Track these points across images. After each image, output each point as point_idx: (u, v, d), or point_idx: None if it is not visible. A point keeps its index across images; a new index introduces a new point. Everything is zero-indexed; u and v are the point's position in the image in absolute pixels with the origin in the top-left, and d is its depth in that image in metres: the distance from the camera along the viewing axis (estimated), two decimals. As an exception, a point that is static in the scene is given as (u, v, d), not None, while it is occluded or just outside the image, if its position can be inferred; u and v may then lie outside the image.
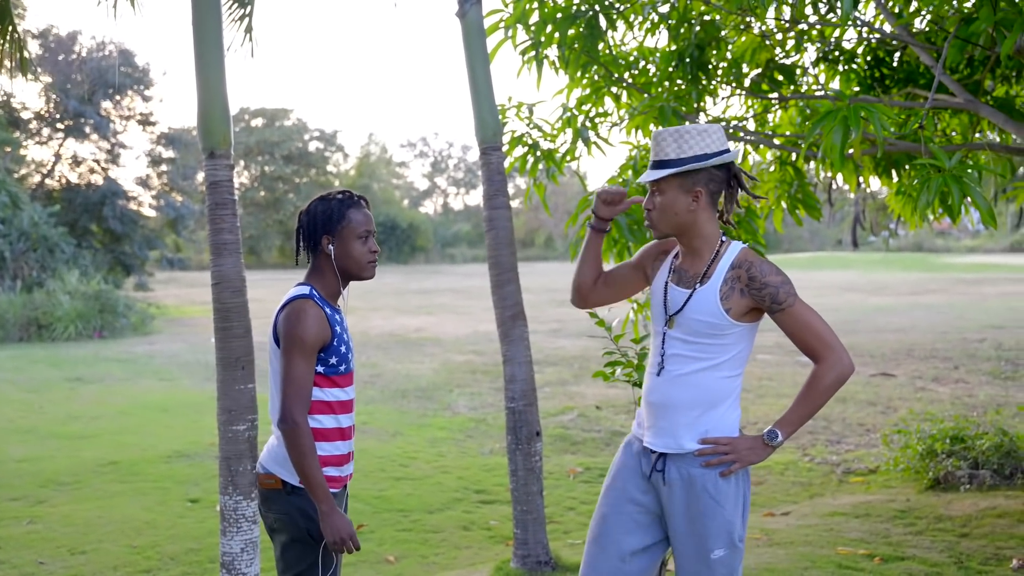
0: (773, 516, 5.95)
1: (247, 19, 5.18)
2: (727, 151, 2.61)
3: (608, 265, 6.04)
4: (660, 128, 2.64)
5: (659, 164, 2.60)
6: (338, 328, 2.86)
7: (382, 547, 5.68)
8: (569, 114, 6.31)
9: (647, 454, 2.74)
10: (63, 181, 31.97)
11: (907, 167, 6.67)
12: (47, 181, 32.12)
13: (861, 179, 7.03)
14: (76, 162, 32.38)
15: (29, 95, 37.95)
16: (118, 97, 31.86)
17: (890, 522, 5.60)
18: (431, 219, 66.02)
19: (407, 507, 6.55)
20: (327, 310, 2.83)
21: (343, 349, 2.87)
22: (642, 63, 6.76)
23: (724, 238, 2.67)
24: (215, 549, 5.49)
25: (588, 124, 6.39)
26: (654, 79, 6.65)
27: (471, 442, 8.82)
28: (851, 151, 5.17)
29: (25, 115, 31.83)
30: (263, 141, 54.62)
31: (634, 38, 6.63)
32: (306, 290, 2.84)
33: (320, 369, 2.82)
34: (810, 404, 2.62)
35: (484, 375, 13.15)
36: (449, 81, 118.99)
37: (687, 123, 6.34)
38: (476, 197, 74.32)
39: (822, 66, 7.06)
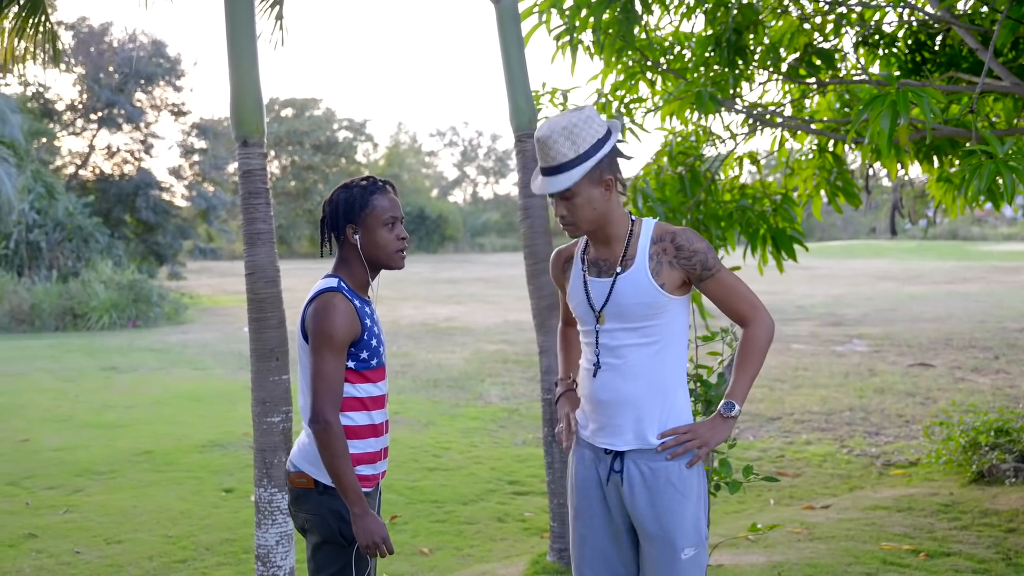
0: (812, 509, 5.84)
1: (278, 7, 5.14)
2: (612, 129, 2.54)
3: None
4: (539, 132, 2.49)
5: (558, 168, 2.46)
6: (368, 321, 2.72)
7: (416, 539, 5.64)
8: (604, 100, 6.21)
9: (602, 457, 2.61)
10: (97, 172, 32.29)
11: (948, 154, 6.51)
12: (81, 172, 32.44)
13: (901, 166, 6.88)
14: (110, 153, 32.69)
15: (63, 86, 38.34)
16: (150, 88, 32.07)
17: (934, 516, 5.47)
18: (460, 208, 66.02)
19: (441, 498, 6.51)
20: (356, 303, 2.69)
21: (374, 343, 2.73)
22: (677, 48, 6.65)
23: (634, 218, 2.59)
24: (250, 540, 5.48)
25: (623, 110, 6.29)
26: (690, 64, 6.53)
27: (504, 432, 8.77)
28: (898, 137, 5.03)
29: (59, 106, 32.16)
30: (293, 131, 54.84)
31: (670, 22, 6.51)
32: (334, 282, 2.69)
33: (351, 364, 2.69)
34: (753, 367, 2.56)
35: (516, 364, 13.09)
36: (480, 69, 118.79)
37: (723, 110, 6.22)
38: (506, 186, 74.26)
39: (862, 50, 6.90)
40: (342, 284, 2.71)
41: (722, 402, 2.55)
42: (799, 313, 18.65)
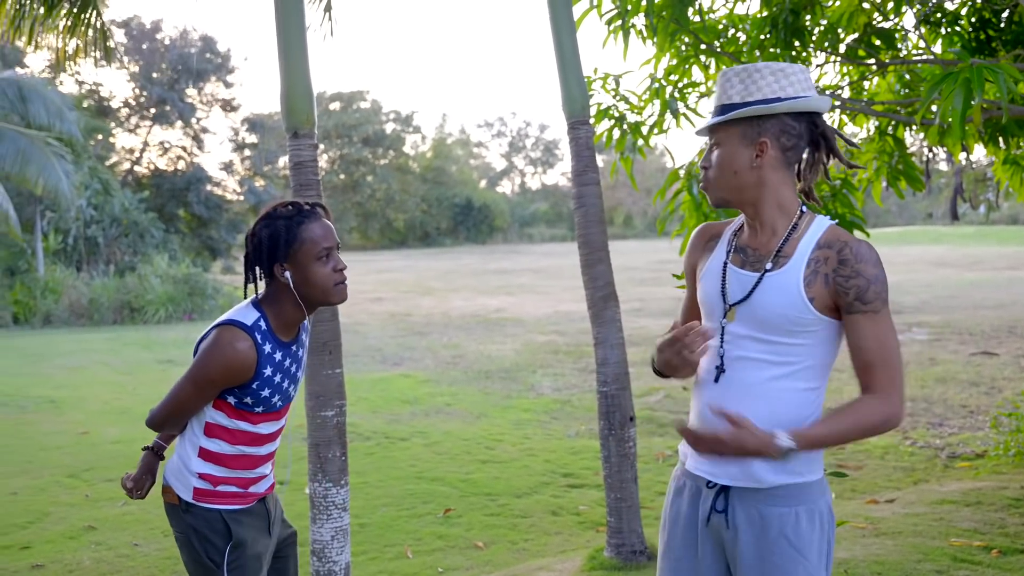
0: (877, 503, 5.68)
1: (327, -2, 5.10)
2: (809, 96, 2.03)
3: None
4: (727, 67, 2.07)
5: (721, 109, 2.06)
6: (269, 370, 2.40)
7: (470, 532, 5.59)
8: (657, 85, 6.08)
9: (703, 490, 2.12)
10: (151, 167, 32.81)
11: (1015, 135, 6.27)
12: (136, 168, 32.98)
13: (965, 148, 6.66)
14: (163, 148, 33.20)
15: (117, 84, 38.98)
16: (201, 83, 32.47)
17: (1004, 511, 5.27)
18: (508, 199, 65.98)
19: (494, 491, 6.45)
20: (266, 348, 2.39)
21: (266, 393, 2.41)
22: (732, 30, 6.49)
23: (805, 209, 2.09)
24: (304, 532, 5.47)
25: (676, 95, 6.16)
26: (744, 47, 6.37)
27: (556, 424, 8.70)
28: (971, 117, 4.84)
29: (114, 104, 32.72)
30: (341, 124, 55.23)
31: (724, 4, 6.36)
32: (250, 319, 2.38)
33: (230, 399, 2.42)
34: (842, 432, 2.00)
35: (567, 356, 13.00)
36: (528, 59, 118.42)
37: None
38: (554, 176, 74.03)
39: (923, 29, 6.68)
40: (259, 323, 2.40)
41: (786, 432, 1.96)
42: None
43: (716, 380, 2.09)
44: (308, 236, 2.39)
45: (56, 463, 7.40)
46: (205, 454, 2.46)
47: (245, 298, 2.50)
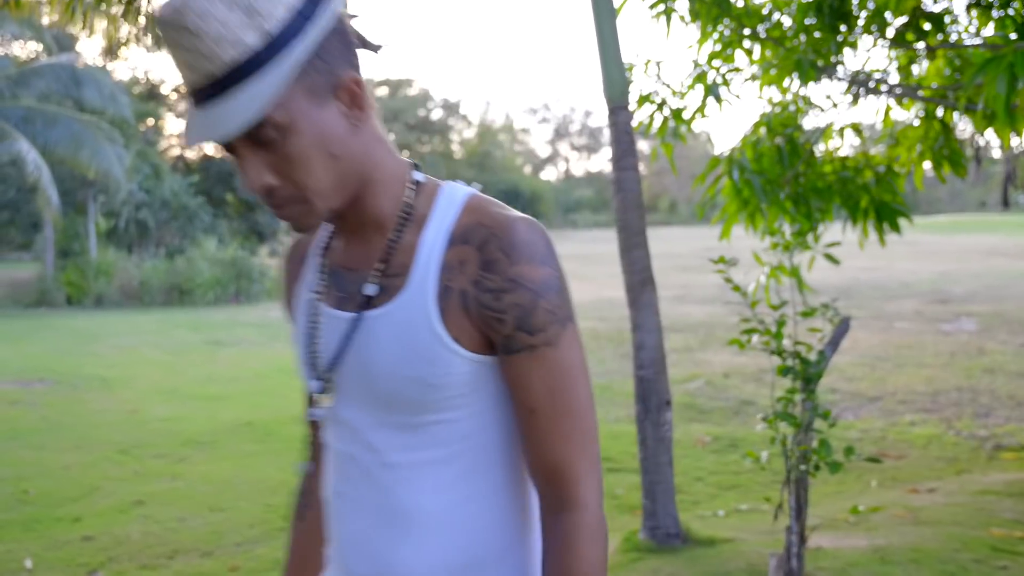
0: (917, 493, 5.63)
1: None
2: None
3: (745, 237, 5.79)
4: (167, 7, 1.01)
5: (228, 78, 1.02)
6: None
7: (508, 513, 5.65)
8: (699, 70, 6.05)
9: None
10: (200, 152, 33.26)
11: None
12: (185, 152, 33.47)
13: (1016, 133, 6.54)
14: (212, 133, 33.64)
15: (167, 70, 39.54)
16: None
17: (1048, 502, 5.21)
18: (553, 185, 65.89)
19: (532, 473, 6.51)
20: None
21: None
22: (776, 15, 6.43)
23: (421, 176, 1.19)
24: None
25: (720, 80, 6.12)
26: (789, 32, 6.31)
27: (597, 409, 8.70)
28: (1016, 102, 4.76)
29: (164, 89, 33.22)
30: (387, 110, 55.48)
31: (769, -12, 6.30)
32: None
33: None
34: None
35: (608, 341, 13.01)
36: (573, 44, 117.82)
37: (824, 78, 6.01)
38: (599, 162, 73.70)
39: (974, 12, 6.56)
40: None
41: None
42: (903, 290, 18.03)
43: (332, 516, 1.24)
44: None
45: (107, 439, 7.61)
46: None
47: None
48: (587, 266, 27.60)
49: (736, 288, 3.67)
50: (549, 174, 72.45)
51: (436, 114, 58.60)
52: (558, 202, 61.99)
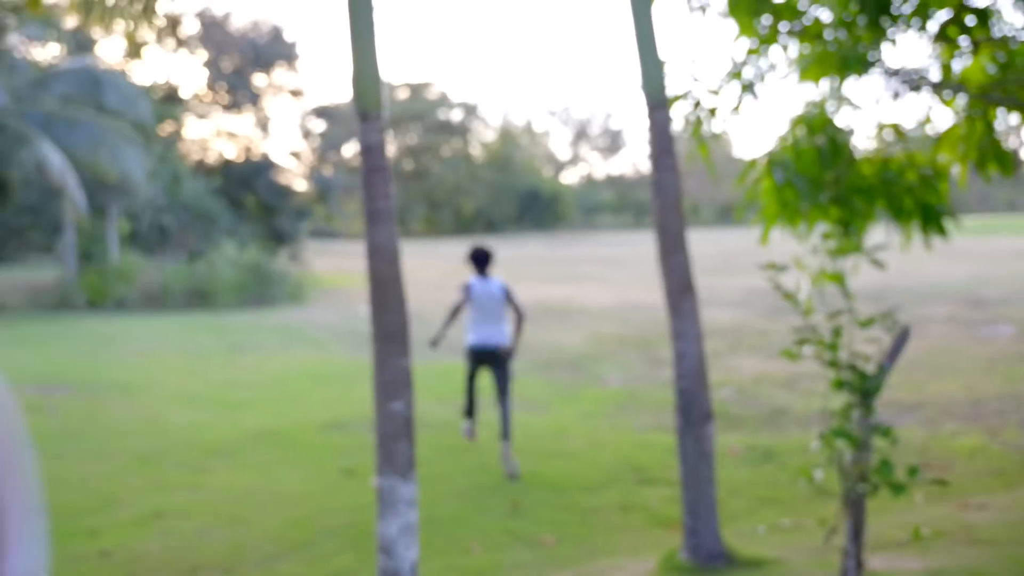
0: (967, 509, 5.38)
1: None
2: None
3: (785, 232, 5.56)
4: None
5: None
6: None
7: (538, 527, 5.45)
8: (736, 67, 5.84)
9: None
10: (220, 155, 33.28)
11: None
12: (206, 155, 33.50)
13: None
14: (232, 136, 33.64)
15: (188, 73, 39.66)
16: (269, 72, 32.81)
17: (1108, 519, 4.95)
18: (573, 188, 65.62)
19: (562, 485, 6.30)
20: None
21: None
22: (814, 10, 6.21)
23: None
24: (370, 524, 5.37)
25: (756, 77, 5.90)
26: (827, 27, 6.09)
27: (624, 416, 8.50)
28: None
29: (184, 92, 33.25)
30: (407, 112, 55.46)
31: (807, -18, 6.07)
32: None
33: None
34: None
35: (633, 346, 12.77)
36: (593, 47, 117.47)
37: (871, 71, 5.78)
38: (619, 165, 73.40)
39: (1021, 7, 6.31)
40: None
41: None
42: (935, 293, 17.68)
43: None
44: None
45: (126, 448, 7.46)
46: None
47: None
48: (609, 269, 27.34)
49: (788, 296, 3.45)
50: (570, 176, 72.19)
51: (456, 116, 58.46)
52: (579, 204, 61.69)
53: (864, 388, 3.37)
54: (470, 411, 7.24)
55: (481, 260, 6.94)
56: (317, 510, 5.79)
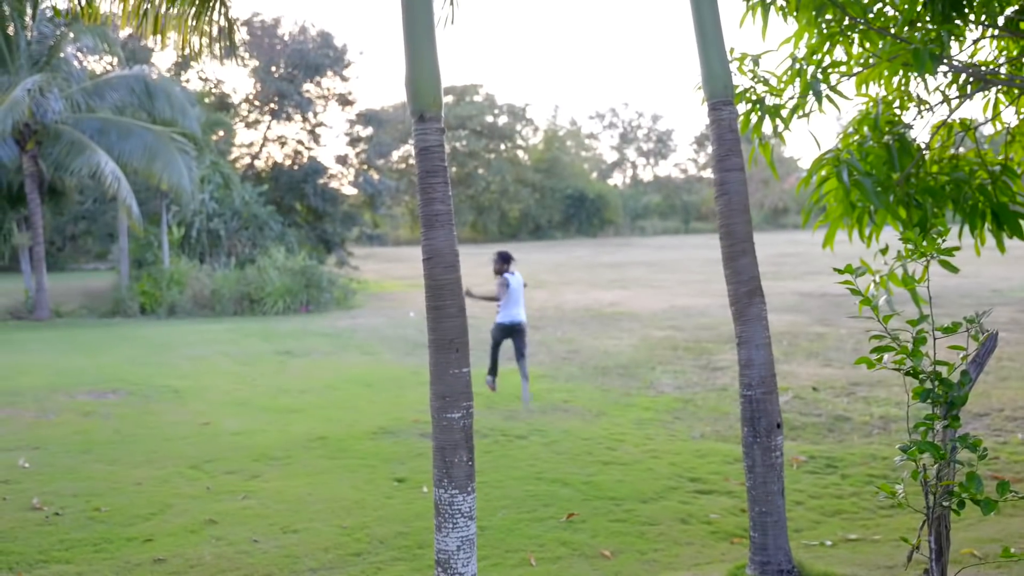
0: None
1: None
2: None
3: (842, 236, 5.35)
4: None
5: None
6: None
7: (596, 539, 5.30)
8: (798, 65, 5.65)
9: None
10: (270, 161, 33.59)
11: None
12: (255, 162, 33.83)
13: None
14: (281, 143, 33.94)
15: (238, 80, 40.09)
16: (318, 78, 33.05)
17: None
18: (620, 191, 65.28)
19: (619, 495, 6.14)
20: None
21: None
22: (879, 5, 6.00)
23: None
24: (423, 534, 5.29)
25: (819, 75, 5.71)
26: (894, 23, 5.87)
27: (680, 424, 8.31)
28: None
29: (235, 99, 33.62)
30: (454, 116, 55.59)
31: (874, -24, 5.88)
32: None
33: None
34: None
35: (686, 352, 12.55)
36: (640, 49, 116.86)
37: (943, 67, 5.57)
38: (666, 168, 72.90)
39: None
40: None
41: None
42: (995, 297, 17.19)
43: None
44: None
45: (178, 454, 7.45)
46: None
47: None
48: (657, 273, 27.06)
49: (866, 301, 3.27)
50: (616, 180, 71.84)
51: (502, 120, 58.47)
52: (626, 208, 61.33)
53: (947, 398, 3.18)
54: (494, 370, 9.57)
55: (510, 260, 9.55)
56: (370, 519, 5.70)
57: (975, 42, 6.32)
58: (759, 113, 5.64)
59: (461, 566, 3.47)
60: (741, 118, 5.57)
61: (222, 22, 6.62)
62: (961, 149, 6.52)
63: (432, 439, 3.56)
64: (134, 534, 5.46)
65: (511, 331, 9.38)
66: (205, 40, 6.68)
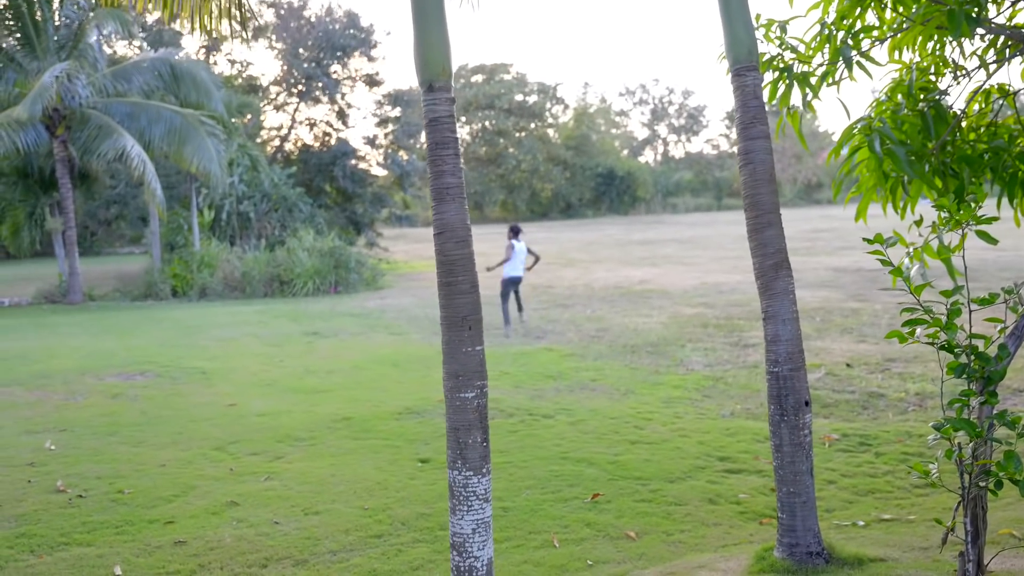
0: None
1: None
2: None
3: (876, 209, 5.17)
4: None
5: None
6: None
7: (621, 520, 5.19)
8: (827, 31, 5.44)
9: None
10: (299, 143, 33.60)
11: None
12: (284, 144, 33.86)
13: None
14: (310, 124, 33.93)
15: (266, 63, 40.12)
16: (345, 59, 32.96)
17: None
18: (651, 168, 64.74)
19: (645, 475, 6.02)
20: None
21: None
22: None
23: None
24: (445, 515, 5.21)
25: (849, 41, 5.49)
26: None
27: (709, 402, 8.16)
28: None
29: (263, 82, 33.65)
30: (484, 96, 55.33)
31: (907, -65, 5.63)
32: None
33: None
34: None
35: (717, 329, 12.37)
36: (670, 24, 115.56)
37: (982, 32, 5.33)
38: (698, 144, 72.14)
39: None
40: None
41: None
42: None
43: None
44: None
45: (204, 435, 7.44)
46: None
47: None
48: (689, 250, 26.79)
49: (897, 272, 3.11)
50: (647, 157, 71.23)
51: (532, 98, 58.10)
52: (657, 185, 60.83)
53: (983, 372, 3.02)
54: (508, 319, 12.82)
55: (518, 231, 13.47)
56: (392, 500, 5.63)
57: (1014, 3, 6.06)
58: (787, 81, 5.44)
59: (476, 549, 3.38)
60: (768, 87, 5.38)
61: (243, 5, 6.52)
62: (1000, 116, 6.27)
63: (446, 419, 3.46)
64: (156, 516, 5.44)
65: (514, 283, 13.24)
66: (234, 23, 6.59)
